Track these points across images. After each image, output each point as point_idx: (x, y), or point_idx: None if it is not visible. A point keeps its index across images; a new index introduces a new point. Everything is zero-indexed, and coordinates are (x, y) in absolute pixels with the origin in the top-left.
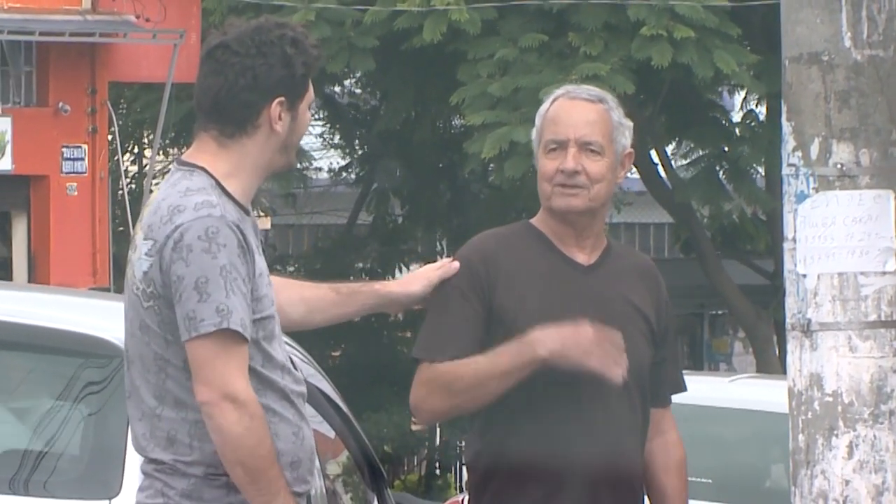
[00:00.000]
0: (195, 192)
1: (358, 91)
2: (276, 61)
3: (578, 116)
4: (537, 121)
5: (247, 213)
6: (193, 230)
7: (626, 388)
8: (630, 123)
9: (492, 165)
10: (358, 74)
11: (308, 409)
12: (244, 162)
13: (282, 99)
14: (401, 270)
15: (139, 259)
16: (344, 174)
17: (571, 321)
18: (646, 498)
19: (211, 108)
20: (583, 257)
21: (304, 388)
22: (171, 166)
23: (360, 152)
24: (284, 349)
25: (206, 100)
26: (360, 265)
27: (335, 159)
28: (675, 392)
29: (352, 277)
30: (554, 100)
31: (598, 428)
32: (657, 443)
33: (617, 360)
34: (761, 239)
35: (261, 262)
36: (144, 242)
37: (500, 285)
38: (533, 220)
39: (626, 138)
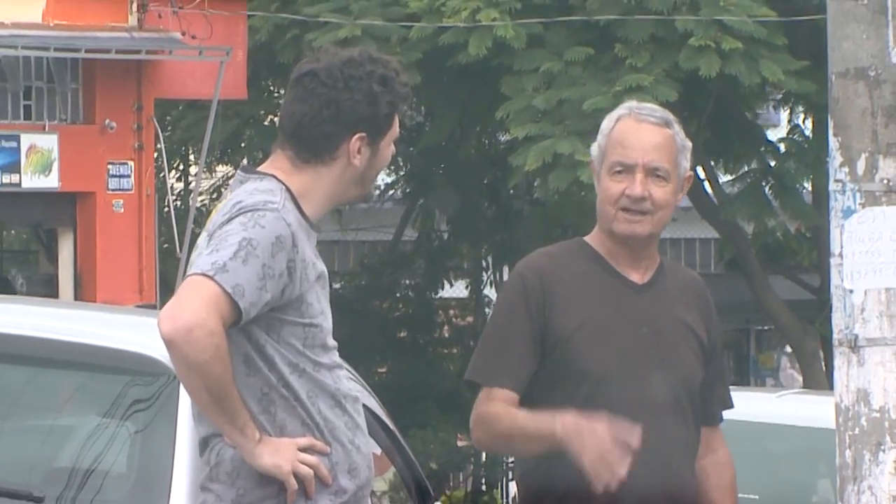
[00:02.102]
0: (262, 192)
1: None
2: (362, 97)
3: (647, 140)
4: (600, 139)
5: (313, 228)
6: (244, 211)
7: (679, 407)
8: (690, 144)
9: (537, 181)
10: None
11: None
12: (316, 186)
13: (363, 135)
14: (443, 287)
15: (199, 255)
16: (391, 192)
17: (624, 345)
18: None
19: (292, 132)
20: (636, 276)
21: (356, 393)
22: (224, 183)
23: (405, 169)
24: (334, 357)
25: (288, 124)
26: (406, 282)
27: (380, 176)
28: (724, 409)
29: (398, 294)
30: (618, 118)
31: (651, 446)
32: (709, 461)
33: (612, 471)
34: (805, 256)
35: (312, 273)
36: (207, 239)
37: (557, 305)
38: (587, 238)
39: (687, 160)
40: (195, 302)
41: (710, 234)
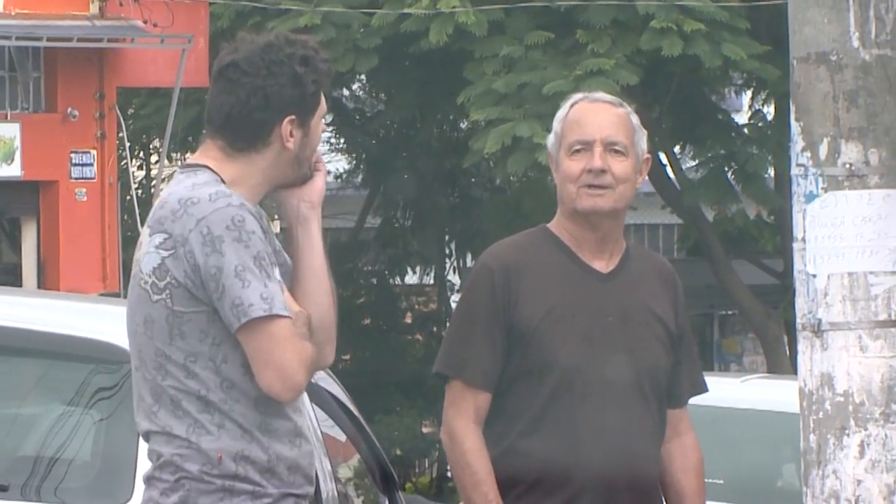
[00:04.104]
0: (203, 185)
1: (363, 95)
2: (287, 81)
3: (603, 117)
4: (556, 125)
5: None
6: (219, 221)
7: (641, 393)
8: (645, 132)
9: (492, 163)
10: (363, 77)
11: (319, 413)
12: (251, 172)
13: (293, 117)
14: (407, 273)
15: (147, 254)
16: (352, 179)
17: (589, 335)
18: (663, 499)
19: (222, 124)
20: (601, 264)
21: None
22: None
23: (365, 157)
24: None
25: (217, 116)
26: (368, 268)
27: (342, 164)
28: (696, 393)
29: (361, 281)
30: (573, 104)
31: (613, 433)
32: (675, 444)
33: None
34: (767, 242)
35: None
36: (153, 238)
37: (522, 297)
38: (550, 225)
39: (643, 143)
40: (291, 360)
41: (673, 220)
